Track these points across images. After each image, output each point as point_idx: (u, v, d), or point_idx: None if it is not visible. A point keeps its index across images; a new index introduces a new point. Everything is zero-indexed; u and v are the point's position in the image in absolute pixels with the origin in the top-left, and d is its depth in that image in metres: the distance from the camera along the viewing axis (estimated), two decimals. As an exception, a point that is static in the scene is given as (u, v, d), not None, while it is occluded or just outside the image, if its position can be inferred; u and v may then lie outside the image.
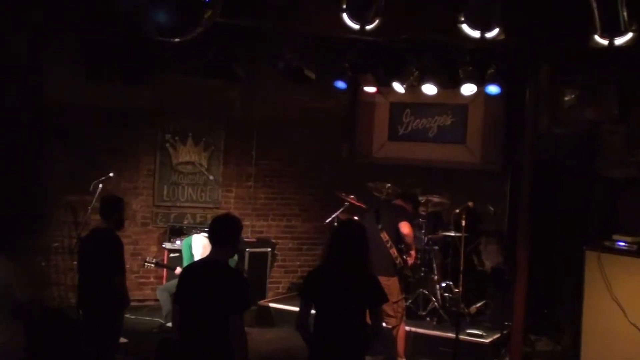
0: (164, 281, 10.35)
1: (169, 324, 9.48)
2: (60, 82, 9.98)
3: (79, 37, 9.54)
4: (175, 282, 9.78)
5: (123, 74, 9.36)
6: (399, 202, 9.10)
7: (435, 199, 9.90)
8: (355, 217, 9.82)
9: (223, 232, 5.47)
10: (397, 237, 8.59)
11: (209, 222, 10.73)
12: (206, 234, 9.96)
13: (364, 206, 10.11)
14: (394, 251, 8.50)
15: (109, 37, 9.07)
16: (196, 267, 5.75)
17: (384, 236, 8.40)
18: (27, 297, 5.92)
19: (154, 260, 9.95)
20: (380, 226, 8.36)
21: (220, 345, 5.24)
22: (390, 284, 8.24)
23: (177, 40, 5.58)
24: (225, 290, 5.27)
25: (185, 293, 5.46)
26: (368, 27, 6.70)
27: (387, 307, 8.33)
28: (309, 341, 5.53)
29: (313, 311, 5.57)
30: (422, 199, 9.85)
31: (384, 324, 8.33)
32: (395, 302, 8.42)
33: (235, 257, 9.65)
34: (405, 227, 8.64)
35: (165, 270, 10.46)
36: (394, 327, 8.42)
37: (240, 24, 8.71)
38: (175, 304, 5.61)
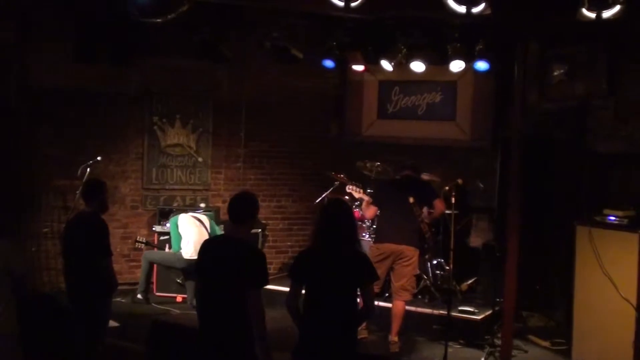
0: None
1: (139, 296, 9.92)
2: (47, 65, 9.90)
3: (65, 19, 9.44)
4: (162, 253, 10.09)
5: (110, 56, 9.29)
6: (426, 177, 9.44)
7: (425, 177, 9.88)
8: (346, 197, 9.85)
9: (239, 209, 5.58)
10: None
11: (198, 204, 10.91)
12: (193, 214, 10.07)
13: (353, 182, 10.09)
14: (424, 226, 8.71)
15: (96, 19, 8.99)
16: (216, 243, 5.87)
17: (417, 210, 8.56)
18: (22, 271, 5.96)
19: (144, 240, 10.11)
20: (412, 200, 8.47)
21: (237, 320, 5.35)
22: (416, 257, 8.56)
23: (159, 20, 5.54)
24: (244, 265, 5.37)
25: (205, 268, 5.60)
26: (353, 4, 6.67)
27: (407, 282, 8.42)
28: (298, 321, 5.53)
29: (303, 291, 5.58)
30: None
31: (404, 299, 8.43)
32: (415, 276, 8.69)
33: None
34: (442, 204, 8.88)
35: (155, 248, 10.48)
36: (397, 304, 8.48)
37: (226, 4, 8.66)
38: (197, 279, 6.00)
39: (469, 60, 9.30)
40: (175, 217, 10.02)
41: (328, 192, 10.52)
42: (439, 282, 9.85)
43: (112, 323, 7.73)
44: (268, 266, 11.17)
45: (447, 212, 9.16)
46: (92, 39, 9.09)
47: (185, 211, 10.36)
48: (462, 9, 6.59)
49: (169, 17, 5.37)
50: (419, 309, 9.27)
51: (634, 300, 7.69)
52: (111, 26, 8.89)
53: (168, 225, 10.31)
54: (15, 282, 5.82)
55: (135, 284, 10.16)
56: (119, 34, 9.01)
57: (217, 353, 5.43)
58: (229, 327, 5.42)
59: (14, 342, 5.80)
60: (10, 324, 5.80)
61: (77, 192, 9.28)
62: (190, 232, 9.80)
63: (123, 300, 9.90)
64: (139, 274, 10.14)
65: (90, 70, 9.77)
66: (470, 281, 9.98)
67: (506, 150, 9.16)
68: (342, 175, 10.37)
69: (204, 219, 10.11)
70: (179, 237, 9.86)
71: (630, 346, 7.68)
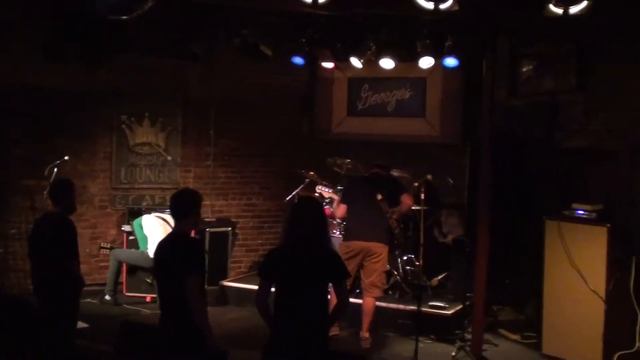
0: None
1: (107, 297, 9.87)
2: (14, 64, 9.77)
3: (34, 17, 9.35)
4: (129, 251, 10.14)
5: (78, 55, 9.21)
6: (396, 173, 9.48)
7: (395, 173, 9.89)
8: (316, 194, 9.84)
9: (180, 205, 5.77)
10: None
11: (167, 203, 10.81)
12: (157, 214, 10.04)
13: (323, 182, 10.08)
14: (393, 222, 8.72)
15: (65, 17, 8.91)
16: (162, 242, 5.89)
17: (385, 207, 8.56)
18: None
19: (108, 245, 10.08)
20: (380, 197, 8.50)
21: (184, 313, 5.38)
22: (386, 253, 8.58)
23: (125, 17, 5.50)
24: (179, 255, 5.50)
25: (156, 267, 5.78)
26: (320, 1, 6.65)
27: (376, 278, 8.42)
28: (268, 320, 5.50)
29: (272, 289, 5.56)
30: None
31: (374, 296, 8.46)
32: (384, 272, 8.70)
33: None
34: (410, 199, 8.85)
35: (125, 244, 10.40)
36: (367, 300, 8.48)
37: (196, 2, 8.62)
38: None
39: (438, 56, 9.32)
40: (138, 218, 10.05)
41: (299, 189, 10.51)
42: (409, 278, 9.86)
43: (81, 324, 7.66)
44: (239, 265, 11.32)
45: (417, 207, 9.18)
46: (61, 37, 9.02)
47: (151, 211, 10.32)
48: (429, 6, 6.60)
49: (136, 13, 5.33)
50: (390, 305, 9.27)
51: (602, 293, 7.76)
52: (79, 25, 8.81)
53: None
54: None
55: (105, 284, 10.07)
56: (87, 32, 8.94)
57: (175, 349, 5.42)
58: (179, 321, 5.45)
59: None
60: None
61: (45, 192, 9.19)
62: (156, 232, 9.75)
63: (93, 301, 9.83)
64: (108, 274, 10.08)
65: (59, 69, 9.68)
66: (440, 276, 10.01)
67: (476, 147, 9.20)
68: (312, 173, 10.37)
69: (169, 218, 10.06)
70: (145, 237, 9.84)
71: (600, 338, 7.75)
